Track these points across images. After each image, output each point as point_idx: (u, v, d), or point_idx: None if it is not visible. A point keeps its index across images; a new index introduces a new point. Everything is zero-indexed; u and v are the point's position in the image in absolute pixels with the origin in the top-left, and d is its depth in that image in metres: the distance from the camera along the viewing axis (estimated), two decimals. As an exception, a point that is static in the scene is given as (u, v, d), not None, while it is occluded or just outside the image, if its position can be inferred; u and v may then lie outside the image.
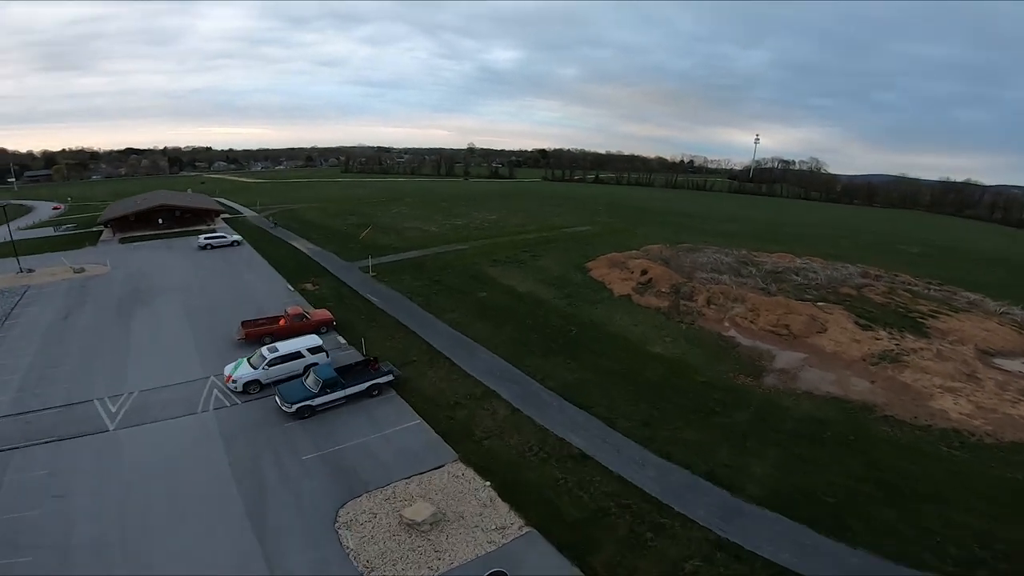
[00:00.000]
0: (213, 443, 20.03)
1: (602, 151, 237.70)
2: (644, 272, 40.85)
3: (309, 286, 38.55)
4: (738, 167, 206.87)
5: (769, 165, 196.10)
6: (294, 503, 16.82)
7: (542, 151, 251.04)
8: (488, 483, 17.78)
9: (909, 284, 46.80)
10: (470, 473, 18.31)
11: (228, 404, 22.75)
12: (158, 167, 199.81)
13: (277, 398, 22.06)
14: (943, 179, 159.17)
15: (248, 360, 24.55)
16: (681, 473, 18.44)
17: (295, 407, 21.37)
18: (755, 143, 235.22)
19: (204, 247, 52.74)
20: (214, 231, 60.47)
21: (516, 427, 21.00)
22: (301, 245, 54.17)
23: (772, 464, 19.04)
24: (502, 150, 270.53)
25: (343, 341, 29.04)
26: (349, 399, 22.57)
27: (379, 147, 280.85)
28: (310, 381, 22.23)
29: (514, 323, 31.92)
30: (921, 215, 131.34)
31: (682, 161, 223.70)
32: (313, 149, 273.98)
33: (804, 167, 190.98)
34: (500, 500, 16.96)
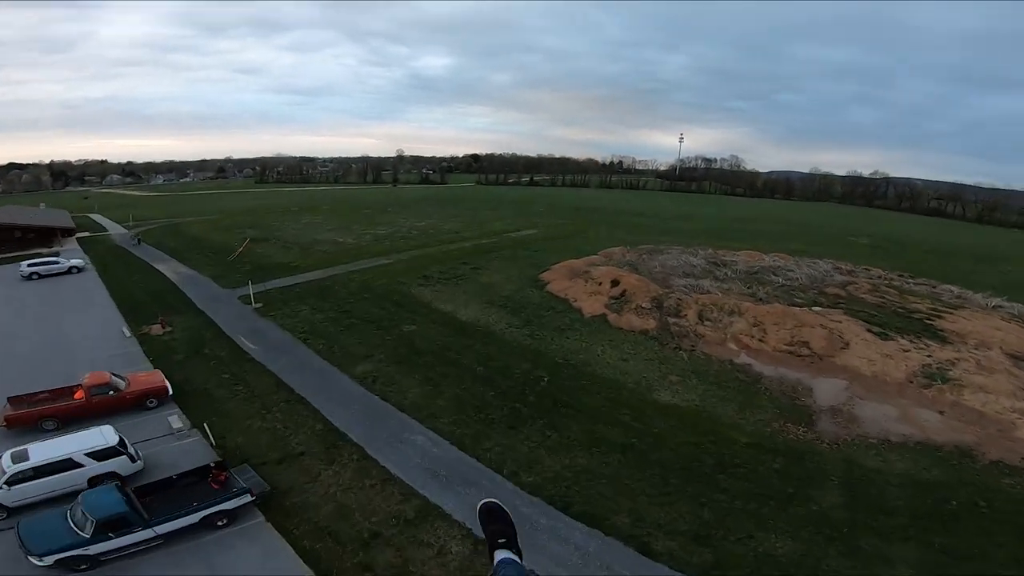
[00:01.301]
0: None
1: (534, 155, 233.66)
2: (615, 283, 33.07)
3: (156, 328, 26.56)
4: (664, 167, 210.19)
5: (693, 163, 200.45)
6: None
7: (474, 156, 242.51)
8: None
9: (887, 279, 43.65)
10: None
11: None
12: (40, 182, 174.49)
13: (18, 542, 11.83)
14: (851, 173, 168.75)
15: None
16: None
17: (51, 560, 11.41)
18: (680, 142, 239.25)
19: (29, 276, 39.85)
20: (57, 253, 47.13)
21: (480, 583, 11.86)
22: (169, 268, 41.28)
23: (919, 573, 12.06)
24: (432, 156, 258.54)
25: (180, 425, 17.85)
26: (171, 535, 12.55)
27: (302, 157, 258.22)
28: (78, 517, 12.06)
29: (458, 372, 22.17)
30: (837, 207, 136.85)
31: (612, 162, 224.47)
32: (227, 160, 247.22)
33: (726, 165, 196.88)
34: None
